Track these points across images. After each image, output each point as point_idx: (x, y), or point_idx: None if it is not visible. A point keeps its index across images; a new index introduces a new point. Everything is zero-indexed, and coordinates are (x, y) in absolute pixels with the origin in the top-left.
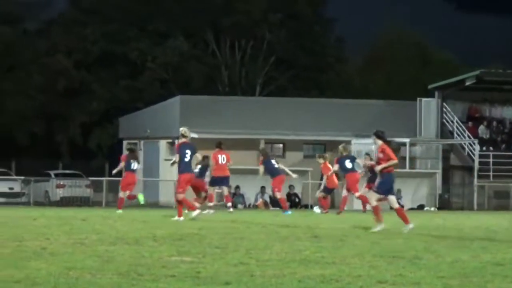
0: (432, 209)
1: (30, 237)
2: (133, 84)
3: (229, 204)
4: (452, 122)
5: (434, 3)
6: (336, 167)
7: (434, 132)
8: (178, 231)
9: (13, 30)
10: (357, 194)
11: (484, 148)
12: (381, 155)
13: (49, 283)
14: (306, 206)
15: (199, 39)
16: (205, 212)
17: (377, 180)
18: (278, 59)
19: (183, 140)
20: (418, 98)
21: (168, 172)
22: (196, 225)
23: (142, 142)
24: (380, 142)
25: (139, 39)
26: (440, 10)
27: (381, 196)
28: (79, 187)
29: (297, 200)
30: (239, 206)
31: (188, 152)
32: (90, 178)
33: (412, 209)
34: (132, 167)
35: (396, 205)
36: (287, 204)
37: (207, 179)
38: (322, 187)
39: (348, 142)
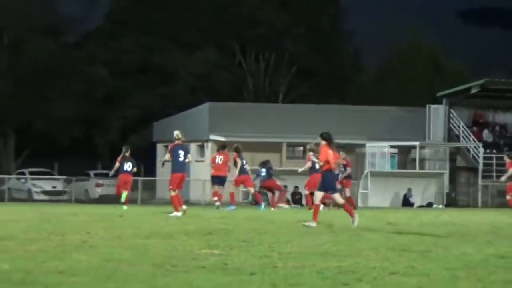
0: (440, 206)
1: (71, 232)
2: (166, 92)
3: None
4: (459, 127)
5: (446, 16)
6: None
7: (442, 136)
8: (207, 226)
9: (55, 42)
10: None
11: (488, 151)
12: (317, 155)
13: (89, 274)
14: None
15: (227, 50)
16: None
17: (320, 180)
18: (299, 69)
19: (177, 142)
20: (427, 105)
21: (199, 172)
22: (224, 221)
23: None
24: (323, 142)
25: (171, 50)
26: (451, 23)
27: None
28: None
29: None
30: (263, 203)
31: (181, 152)
32: None
33: (421, 206)
34: (125, 168)
35: (341, 201)
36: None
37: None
38: None
39: (363, 145)
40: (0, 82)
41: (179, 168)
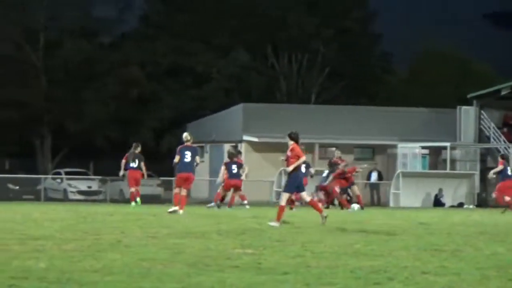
0: (471, 206)
1: (106, 231)
2: (199, 93)
3: (245, 201)
4: (489, 128)
5: (474, 19)
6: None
7: (472, 137)
8: (241, 225)
9: (90, 43)
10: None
11: None
12: (289, 154)
13: (124, 273)
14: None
15: (259, 52)
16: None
17: (286, 180)
18: (331, 71)
19: (186, 143)
20: (458, 106)
21: None
22: (257, 220)
23: (208, 145)
24: (291, 142)
25: (205, 52)
26: (479, 26)
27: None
28: (151, 186)
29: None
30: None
31: (188, 153)
32: (161, 178)
33: (452, 206)
34: (131, 165)
35: (308, 199)
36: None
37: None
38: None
39: (395, 146)
40: (36, 83)
41: (184, 168)
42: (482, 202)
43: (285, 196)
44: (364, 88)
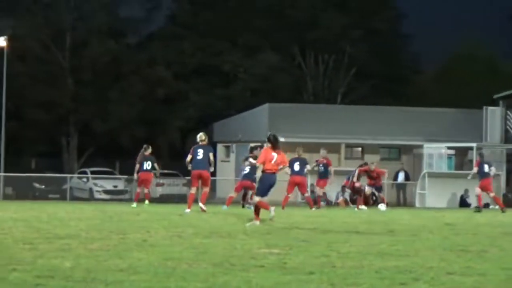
0: (497, 207)
1: (132, 231)
2: (226, 93)
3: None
4: None
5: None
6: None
7: (498, 138)
8: (266, 225)
9: (117, 43)
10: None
11: None
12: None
13: (149, 272)
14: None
15: (286, 52)
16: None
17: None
18: (358, 71)
19: (201, 143)
20: (484, 107)
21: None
22: (283, 220)
23: (234, 145)
24: (266, 144)
25: (232, 52)
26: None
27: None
28: (177, 186)
29: (374, 198)
30: (322, 203)
31: (200, 151)
32: (187, 178)
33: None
34: (144, 167)
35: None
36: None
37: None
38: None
39: (421, 146)
40: (62, 82)
41: (196, 165)
42: (508, 203)
43: (257, 200)
44: (392, 89)
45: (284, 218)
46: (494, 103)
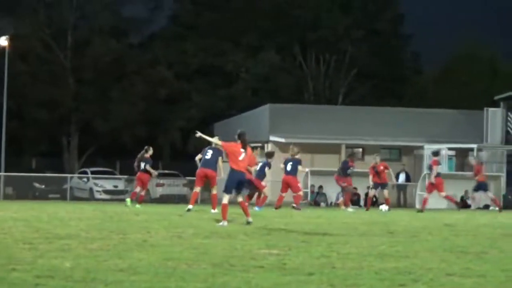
0: (497, 209)
1: (132, 231)
2: (228, 93)
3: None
4: None
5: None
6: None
7: (499, 139)
8: (266, 226)
9: (119, 43)
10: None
11: None
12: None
13: (149, 272)
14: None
15: (288, 53)
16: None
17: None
18: (359, 71)
19: (212, 145)
20: (485, 108)
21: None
22: (283, 221)
23: None
24: (235, 142)
25: (234, 52)
26: (509, 26)
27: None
28: (177, 186)
29: (374, 199)
30: (322, 204)
31: (210, 151)
32: (187, 178)
33: (478, 208)
34: (141, 167)
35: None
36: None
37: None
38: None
39: (421, 147)
40: (64, 82)
41: (203, 164)
42: (508, 204)
43: (225, 197)
44: (393, 89)
45: (284, 218)
46: (495, 104)
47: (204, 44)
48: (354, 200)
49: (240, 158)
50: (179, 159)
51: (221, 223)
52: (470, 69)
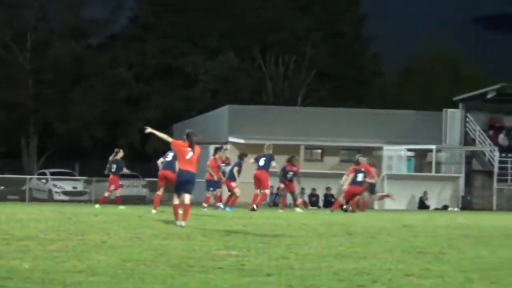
0: (455, 209)
1: (91, 232)
2: (187, 94)
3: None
4: (475, 131)
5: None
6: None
7: (458, 140)
8: (225, 227)
9: (79, 44)
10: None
11: (503, 155)
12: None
13: (108, 273)
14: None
15: (247, 54)
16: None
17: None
18: (318, 72)
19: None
20: (443, 109)
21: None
22: (242, 222)
23: None
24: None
25: (193, 54)
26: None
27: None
28: (136, 187)
29: (332, 200)
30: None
31: (171, 154)
32: (146, 179)
33: (437, 209)
34: (112, 169)
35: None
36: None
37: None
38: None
39: (380, 148)
40: (23, 83)
41: (164, 166)
42: (466, 205)
43: (175, 197)
44: (352, 90)
45: (243, 219)
46: (455, 105)
47: (163, 45)
48: (313, 201)
49: (187, 157)
50: (138, 160)
51: (178, 223)
52: (431, 71)
